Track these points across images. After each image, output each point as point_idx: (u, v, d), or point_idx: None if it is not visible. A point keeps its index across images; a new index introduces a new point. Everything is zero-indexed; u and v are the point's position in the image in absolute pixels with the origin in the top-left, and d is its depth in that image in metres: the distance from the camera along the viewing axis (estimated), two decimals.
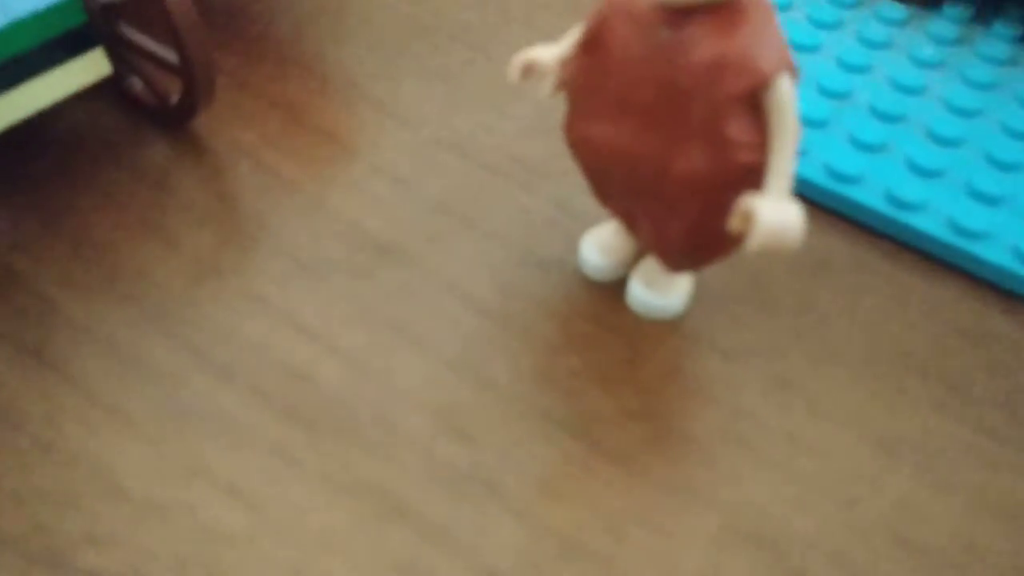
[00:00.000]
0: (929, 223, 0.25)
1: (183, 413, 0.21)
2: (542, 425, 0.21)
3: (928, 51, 0.29)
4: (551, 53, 0.21)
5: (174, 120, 0.26)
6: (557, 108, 0.28)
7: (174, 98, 0.26)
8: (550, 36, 0.31)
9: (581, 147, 0.21)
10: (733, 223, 0.19)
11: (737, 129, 0.18)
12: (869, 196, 0.25)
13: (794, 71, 0.18)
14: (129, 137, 0.27)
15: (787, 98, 0.18)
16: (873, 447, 0.21)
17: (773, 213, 0.18)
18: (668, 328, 0.23)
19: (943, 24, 0.31)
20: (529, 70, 0.21)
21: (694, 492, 0.20)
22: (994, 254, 0.24)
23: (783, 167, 0.18)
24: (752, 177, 0.19)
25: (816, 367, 0.22)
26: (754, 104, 0.18)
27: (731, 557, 0.19)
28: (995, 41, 0.30)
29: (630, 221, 0.22)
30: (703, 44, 0.18)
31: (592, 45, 0.20)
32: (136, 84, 0.27)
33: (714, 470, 0.20)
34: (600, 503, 0.20)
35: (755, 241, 0.18)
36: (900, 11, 0.31)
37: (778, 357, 0.22)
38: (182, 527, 0.19)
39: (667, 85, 0.19)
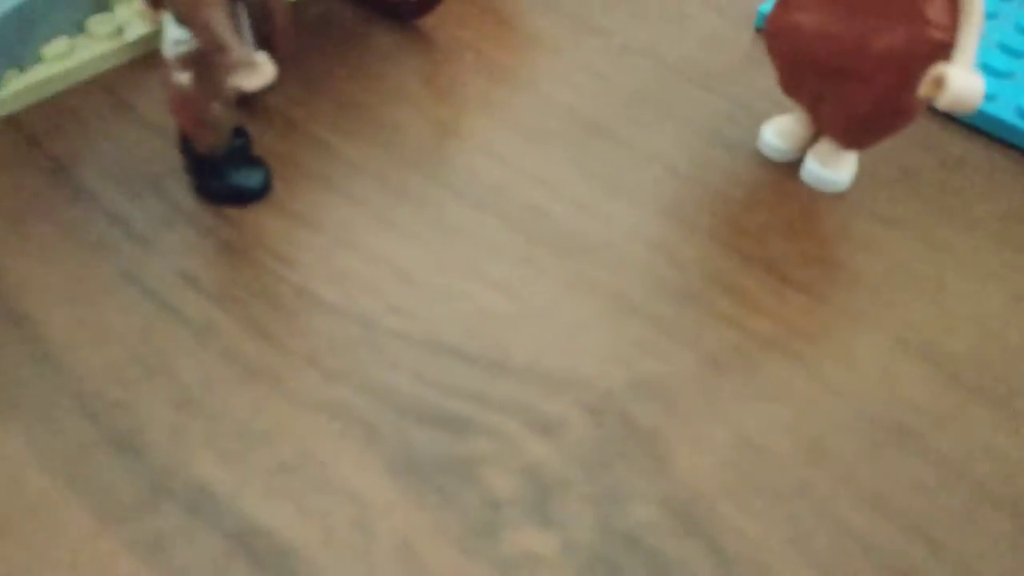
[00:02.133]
0: None
1: (449, 230, 0.25)
2: (739, 260, 0.25)
3: None
4: None
5: (408, 14, 0.31)
6: (726, 25, 0.33)
7: None
8: None
9: (787, 34, 0.25)
10: (923, 88, 0.23)
11: (934, 11, 0.23)
12: (1002, 111, 0.29)
13: None
14: (365, 26, 0.31)
15: None
16: (1016, 295, 0.25)
17: (962, 77, 0.22)
18: (836, 198, 0.27)
19: None
20: None
21: (868, 317, 0.24)
22: None
23: (970, 44, 0.22)
24: (940, 53, 0.23)
25: (961, 234, 0.27)
26: None
27: (904, 366, 0.23)
28: None
29: (814, 105, 0.26)
30: None
31: None
32: None
33: (885, 303, 0.25)
34: (792, 320, 0.24)
35: (946, 98, 0.22)
36: None
37: (928, 226, 0.27)
38: (464, 307, 0.23)
39: None
